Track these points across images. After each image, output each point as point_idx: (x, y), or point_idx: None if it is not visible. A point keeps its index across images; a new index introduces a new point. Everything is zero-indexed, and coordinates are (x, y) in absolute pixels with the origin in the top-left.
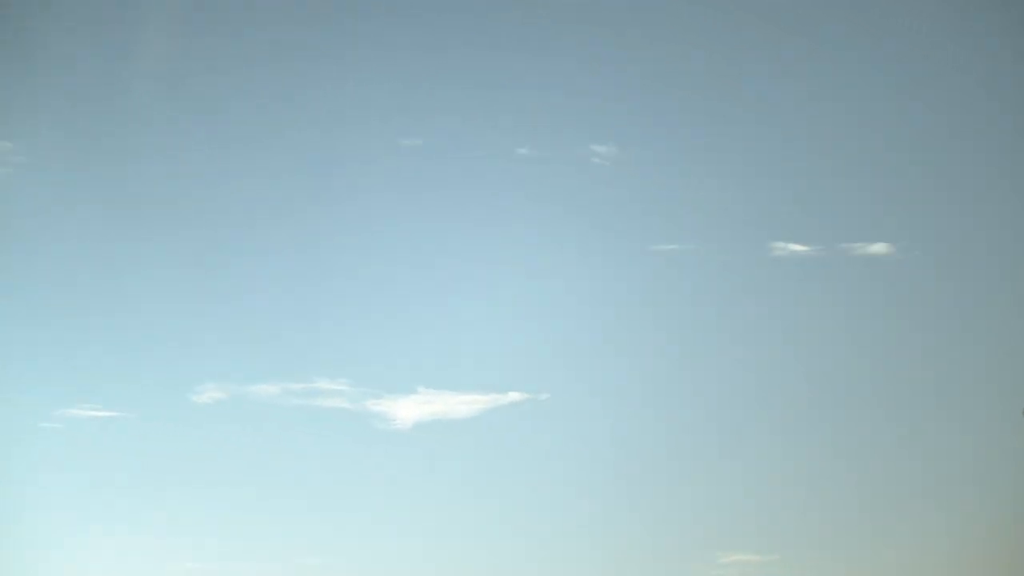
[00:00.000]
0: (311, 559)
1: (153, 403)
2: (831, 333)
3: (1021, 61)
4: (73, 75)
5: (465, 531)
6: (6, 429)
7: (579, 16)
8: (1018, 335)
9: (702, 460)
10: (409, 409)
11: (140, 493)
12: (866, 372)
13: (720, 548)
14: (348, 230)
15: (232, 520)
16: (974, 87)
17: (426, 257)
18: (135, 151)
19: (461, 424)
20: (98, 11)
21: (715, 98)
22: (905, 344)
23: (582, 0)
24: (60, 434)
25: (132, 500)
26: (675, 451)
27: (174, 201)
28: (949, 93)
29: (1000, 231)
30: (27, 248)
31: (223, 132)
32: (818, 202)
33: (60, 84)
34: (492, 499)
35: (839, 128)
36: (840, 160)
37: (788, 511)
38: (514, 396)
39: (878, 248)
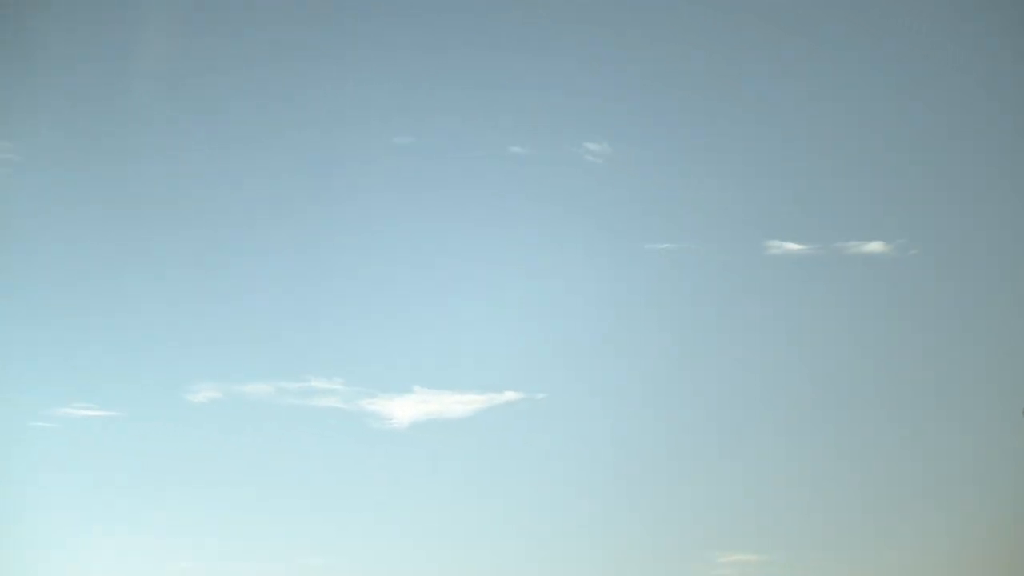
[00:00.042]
0: (305, 559)
1: (147, 402)
2: (828, 332)
3: (1020, 61)
4: (73, 75)
5: (461, 531)
6: None
7: (571, 14)
8: (1017, 335)
9: (700, 459)
10: (405, 409)
11: (134, 492)
12: (863, 371)
13: (718, 548)
14: (342, 229)
15: (226, 520)
16: (969, 85)
17: (420, 256)
18: (133, 151)
19: (457, 424)
20: (98, 11)
21: (709, 96)
22: (903, 343)
23: None
24: (54, 433)
25: (126, 499)
26: (672, 450)
27: (169, 201)
28: (945, 92)
29: (997, 230)
30: (23, 248)
31: (222, 132)
32: (813, 201)
33: (60, 84)
34: (489, 499)
35: (834, 126)
36: (835, 158)
37: (787, 511)
38: (510, 395)
39: (874, 247)
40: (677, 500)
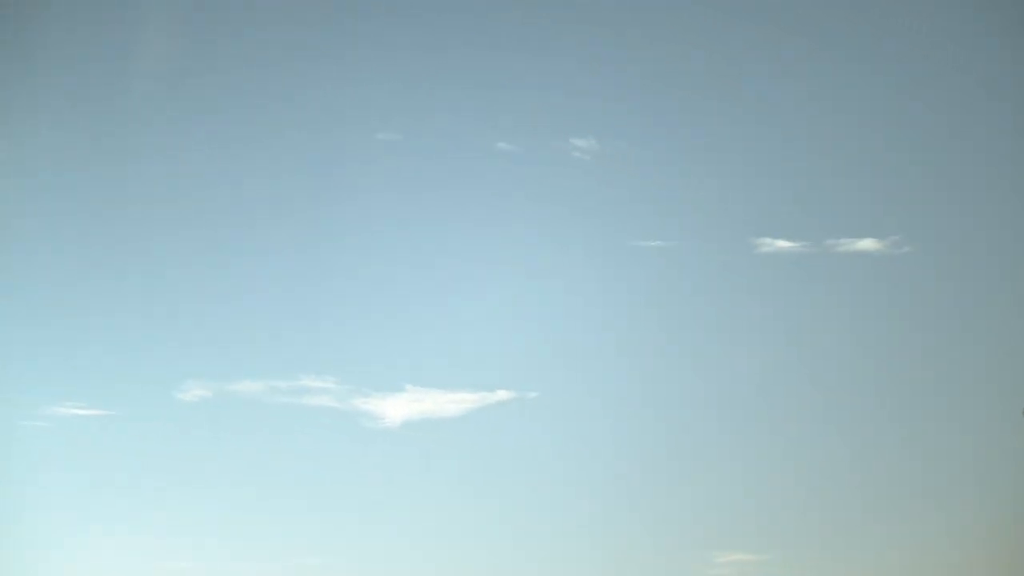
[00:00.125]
0: (297, 558)
1: (138, 401)
2: (821, 330)
3: (1019, 61)
4: (73, 75)
5: (454, 530)
6: None
7: (559, 11)
8: (1017, 334)
9: (694, 458)
10: (397, 407)
11: (124, 491)
12: (857, 369)
13: (715, 548)
14: (332, 228)
15: (218, 519)
16: (961, 84)
17: (412, 254)
18: (132, 151)
19: (450, 422)
20: (98, 11)
21: (698, 92)
22: (898, 341)
23: None
24: (44, 432)
25: (117, 498)
26: (667, 449)
27: (162, 202)
28: (935, 89)
29: (992, 228)
30: (17, 248)
31: (217, 132)
32: (805, 198)
33: (60, 84)
34: (482, 498)
35: (825, 123)
36: (826, 155)
37: (784, 510)
38: (502, 394)
39: (866, 244)
40: (673, 499)
